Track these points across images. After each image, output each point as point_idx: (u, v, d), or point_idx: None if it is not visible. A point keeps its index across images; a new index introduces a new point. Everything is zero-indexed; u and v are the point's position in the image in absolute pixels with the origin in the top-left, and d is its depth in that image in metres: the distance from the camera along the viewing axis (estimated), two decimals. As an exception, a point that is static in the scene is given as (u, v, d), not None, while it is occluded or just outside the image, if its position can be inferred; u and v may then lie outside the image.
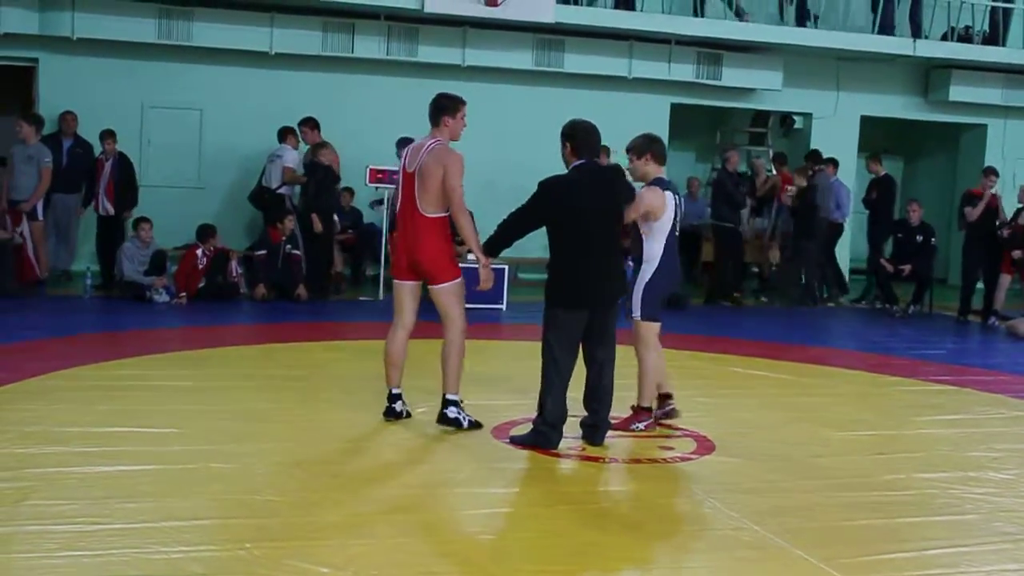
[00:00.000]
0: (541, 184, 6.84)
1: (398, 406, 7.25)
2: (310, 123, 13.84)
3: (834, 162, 15.88)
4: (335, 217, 13.74)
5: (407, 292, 7.11)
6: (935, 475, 6.67)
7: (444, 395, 7.09)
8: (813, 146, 17.26)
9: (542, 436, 6.78)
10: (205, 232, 12.80)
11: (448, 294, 7.00)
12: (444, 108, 7.00)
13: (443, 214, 6.96)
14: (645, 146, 7.32)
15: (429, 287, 7.05)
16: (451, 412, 7.08)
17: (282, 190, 13.74)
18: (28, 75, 14.65)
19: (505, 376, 8.92)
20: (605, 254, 6.80)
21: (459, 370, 7.07)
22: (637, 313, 7.23)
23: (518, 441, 6.87)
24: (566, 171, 6.91)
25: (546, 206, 6.79)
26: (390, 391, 7.24)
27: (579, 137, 6.86)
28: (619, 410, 7.22)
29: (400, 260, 7.09)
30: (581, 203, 6.72)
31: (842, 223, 15.88)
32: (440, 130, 6.99)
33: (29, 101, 14.62)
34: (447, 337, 7.04)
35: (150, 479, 5.81)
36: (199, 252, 12.66)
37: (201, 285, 12.62)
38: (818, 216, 14.91)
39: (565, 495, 6.04)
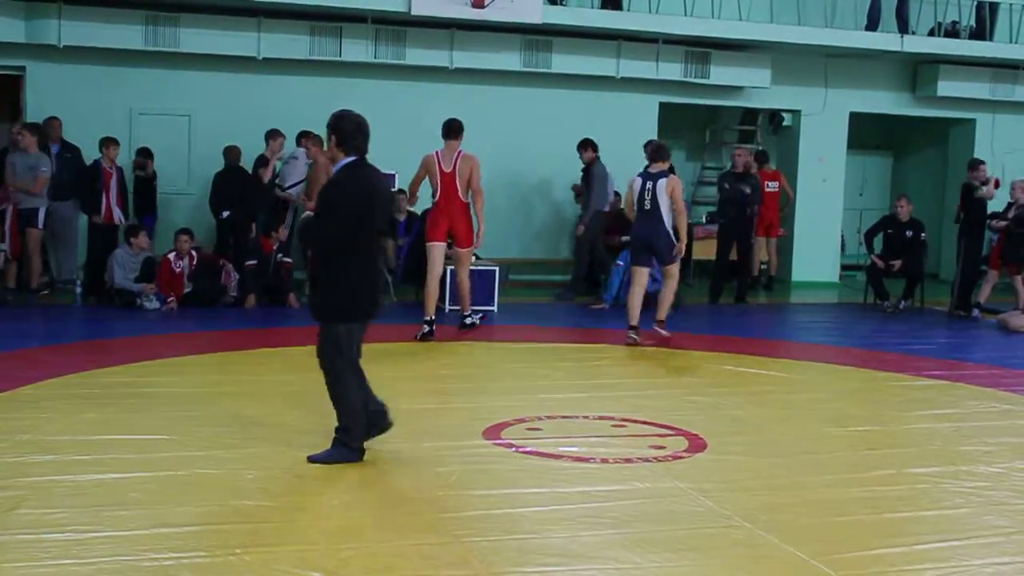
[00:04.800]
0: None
1: (432, 328, 10.54)
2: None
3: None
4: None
5: (440, 251, 10.76)
6: (926, 469, 6.69)
7: (463, 313, 11.08)
8: (803, 143, 17.31)
9: (354, 452, 6.44)
10: (176, 236, 12.82)
11: (467, 254, 11.04)
12: (461, 129, 10.86)
13: (468, 200, 10.81)
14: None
15: (456, 248, 10.88)
16: (468, 320, 11.02)
17: (292, 191, 13.80)
18: (15, 84, 14.60)
19: (496, 377, 8.94)
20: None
21: (469, 295, 11.12)
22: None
23: (318, 459, 6.36)
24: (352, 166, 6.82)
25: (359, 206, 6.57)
26: (429, 318, 10.53)
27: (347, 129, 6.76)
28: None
29: (441, 228, 10.72)
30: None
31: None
32: (459, 143, 10.79)
33: (16, 110, 14.60)
34: (460, 275, 11.06)
35: (141, 486, 5.81)
36: (171, 256, 12.63)
37: (188, 291, 12.60)
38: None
39: (552, 496, 6.01)
